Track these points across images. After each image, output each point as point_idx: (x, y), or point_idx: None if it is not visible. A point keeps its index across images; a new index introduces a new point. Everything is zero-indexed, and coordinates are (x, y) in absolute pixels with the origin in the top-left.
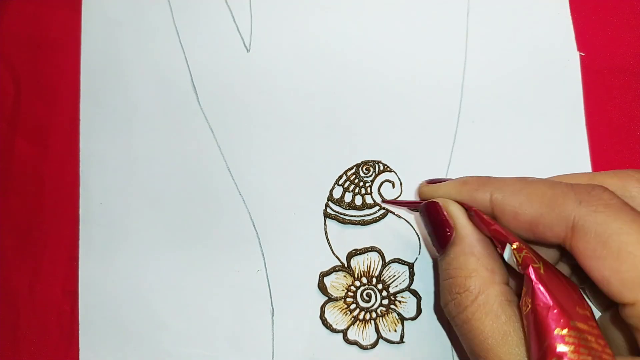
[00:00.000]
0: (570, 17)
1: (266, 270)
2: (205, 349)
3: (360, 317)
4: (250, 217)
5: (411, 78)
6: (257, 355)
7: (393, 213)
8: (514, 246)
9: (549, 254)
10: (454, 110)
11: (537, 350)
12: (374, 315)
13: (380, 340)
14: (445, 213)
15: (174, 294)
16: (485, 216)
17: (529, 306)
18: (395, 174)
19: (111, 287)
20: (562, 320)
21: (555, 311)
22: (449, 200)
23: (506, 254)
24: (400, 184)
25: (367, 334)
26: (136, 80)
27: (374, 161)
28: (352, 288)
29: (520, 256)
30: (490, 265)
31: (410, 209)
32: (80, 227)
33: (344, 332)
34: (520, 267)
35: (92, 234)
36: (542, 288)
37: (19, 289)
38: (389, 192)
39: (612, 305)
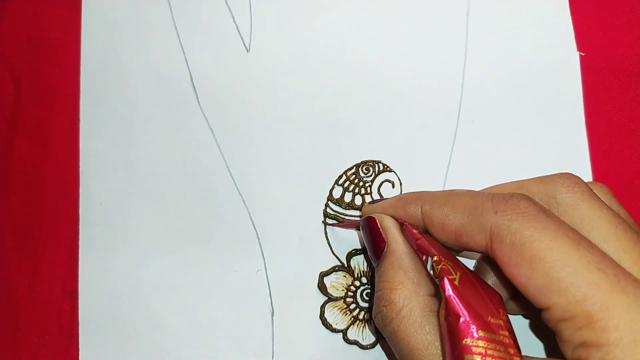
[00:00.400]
0: (570, 17)
1: (266, 270)
2: (205, 349)
3: (360, 316)
4: (250, 217)
5: (411, 78)
6: (257, 355)
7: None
8: (434, 259)
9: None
10: (454, 110)
11: (450, 358)
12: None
13: (380, 340)
14: (380, 228)
15: (173, 294)
16: (414, 230)
17: (443, 316)
18: (395, 174)
19: (111, 287)
20: (470, 330)
21: (463, 321)
22: (384, 215)
23: (428, 266)
24: (400, 184)
25: (367, 334)
26: (136, 80)
27: (373, 161)
28: (352, 288)
29: (438, 268)
30: (416, 278)
31: (356, 229)
32: (80, 227)
33: (344, 332)
34: (437, 278)
35: (92, 234)
36: (454, 299)
37: (19, 289)
38: (389, 192)
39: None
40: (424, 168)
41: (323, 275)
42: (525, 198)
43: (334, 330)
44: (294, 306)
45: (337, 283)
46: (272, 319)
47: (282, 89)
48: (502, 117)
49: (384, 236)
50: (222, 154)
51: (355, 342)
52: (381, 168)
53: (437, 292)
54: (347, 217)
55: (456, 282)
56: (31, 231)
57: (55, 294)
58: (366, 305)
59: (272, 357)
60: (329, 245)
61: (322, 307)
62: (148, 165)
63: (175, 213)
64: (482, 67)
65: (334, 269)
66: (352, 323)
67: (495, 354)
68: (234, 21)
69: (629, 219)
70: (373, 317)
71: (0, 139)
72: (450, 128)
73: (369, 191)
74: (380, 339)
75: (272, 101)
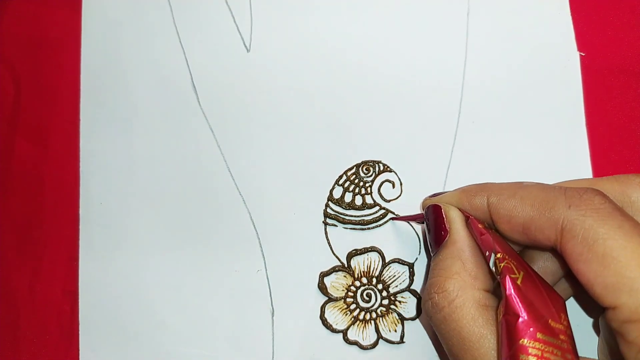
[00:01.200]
0: (570, 17)
1: (266, 270)
2: (205, 349)
3: (361, 317)
4: (250, 217)
5: (411, 78)
6: (257, 355)
7: (393, 213)
8: (498, 256)
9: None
10: (454, 110)
11: (505, 356)
12: (374, 315)
13: (380, 341)
14: (445, 216)
15: (174, 293)
16: (479, 225)
17: (502, 314)
18: (395, 174)
19: (111, 287)
20: (528, 331)
21: (522, 320)
22: (450, 206)
23: (490, 263)
24: (400, 184)
25: (367, 334)
26: (136, 80)
27: (374, 161)
28: (352, 288)
29: (500, 266)
30: (474, 271)
31: (417, 222)
32: (80, 227)
33: (344, 332)
34: (499, 276)
35: (92, 234)
36: (514, 298)
37: (19, 288)
38: (389, 192)
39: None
40: (424, 168)
41: (323, 275)
42: (600, 194)
43: (334, 331)
44: (294, 306)
45: (337, 283)
46: (272, 319)
47: (282, 89)
48: (502, 117)
49: (447, 225)
50: (222, 154)
51: (355, 343)
52: (381, 168)
53: (496, 289)
54: (347, 217)
55: (518, 282)
56: (31, 231)
57: (56, 294)
58: (366, 305)
59: (272, 357)
60: (329, 245)
61: (322, 307)
62: (148, 166)
63: (175, 213)
64: (483, 67)
65: (334, 269)
66: (352, 323)
67: (552, 357)
68: (234, 21)
69: None
70: (422, 303)
71: (0, 139)
72: (450, 128)
73: (369, 191)
74: (381, 339)
75: (272, 101)
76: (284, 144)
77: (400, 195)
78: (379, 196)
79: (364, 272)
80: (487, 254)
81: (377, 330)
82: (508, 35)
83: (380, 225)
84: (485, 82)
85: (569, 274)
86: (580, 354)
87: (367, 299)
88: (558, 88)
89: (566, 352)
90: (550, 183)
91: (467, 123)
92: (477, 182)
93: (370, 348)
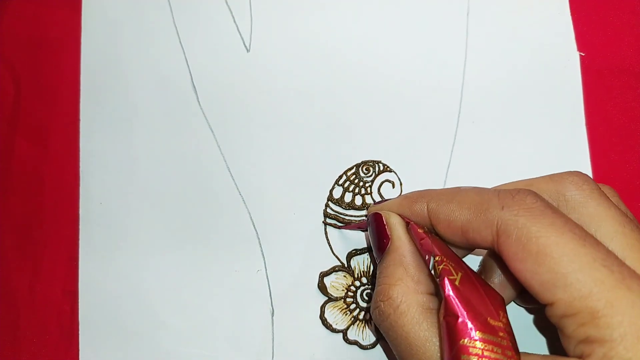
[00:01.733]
0: (570, 17)
1: (266, 270)
2: (205, 349)
3: (360, 317)
4: (250, 217)
5: (411, 78)
6: (257, 355)
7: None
8: (436, 259)
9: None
10: (454, 110)
11: (448, 357)
12: None
13: (380, 340)
14: (386, 224)
15: (174, 293)
16: (419, 230)
17: (442, 315)
18: (395, 174)
19: (111, 287)
20: (467, 330)
21: (461, 321)
22: (391, 213)
23: (430, 266)
24: (400, 184)
25: (367, 334)
26: (136, 80)
27: (373, 161)
28: (352, 288)
29: (439, 268)
30: (417, 276)
31: (362, 230)
32: (80, 227)
33: (344, 332)
34: (438, 278)
35: (92, 234)
36: (453, 299)
37: (19, 288)
38: (389, 192)
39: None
40: (424, 168)
41: (323, 275)
42: (532, 194)
43: (334, 331)
44: (294, 306)
45: (337, 283)
46: (272, 319)
47: (282, 89)
48: (502, 117)
49: (388, 233)
50: (222, 154)
51: (355, 342)
52: (381, 168)
53: (438, 292)
54: (347, 217)
55: (457, 283)
56: (31, 231)
57: (55, 294)
58: (366, 305)
59: (272, 357)
60: (329, 245)
61: (322, 307)
62: (148, 165)
63: (175, 213)
64: (482, 67)
65: (334, 269)
66: (352, 323)
67: (493, 355)
68: (234, 21)
69: (634, 220)
70: (371, 312)
71: (0, 139)
72: (450, 128)
73: (369, 191)
74: (381, 339)
75: (272, 101)
76: (284, 144)
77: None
78: (379, 196)
79: (363, 272)
80: (427, 257)
81: (377, 330)
82: (508, 36)
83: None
84: (485, 82)
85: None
86: (527, 350)
87: (367, 298)
88: (558, 88)
89: (506, 349)
90: None
91: (467, 123)
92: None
93: (370, 348)
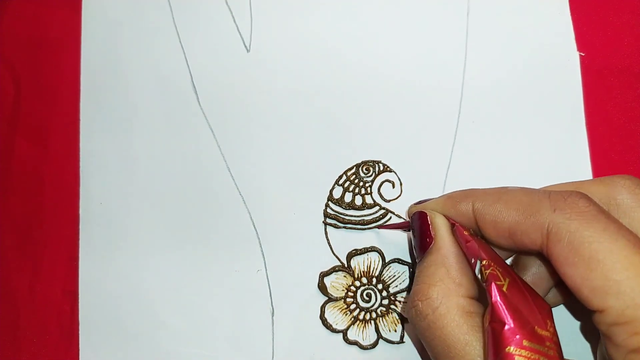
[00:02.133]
0: (570, 17)
1: (266, 270)
2: (205, 349)
3: (360, 317)
4: (250, 217)
5: (411, 78)
6: (257, 355)
7: (393, 213)
8: (483, 263)
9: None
10: (454, 110)
11: None
12: (374, 315)
13: (380, 340)
14: (430, 223)
15: (174, 293)
16: (465, 232)
17: (488, 321)
18: (395, 174)
19: (111, 287)
20: (515, 339)
21: (508, 328)
22: (436, 213)
23: (476, 270)
24: (400, 184)
25: (367, 334)
26: (136, 80)
27: (373, 161)
28: (352, 288)
29: (486, 272)
30: (458, 278)
31: (404, 230)
32: (80, 227)
33: (344, 332)
34: (485, 283)
35: (92, 234)
36: (500, 305)
37: (19, 288)
38: (389, 192)
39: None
40: (424, 168)
41: (323, 275)
42: (585, 197)
43: (334, 331)
44: (294, 306)
45: (337, 283)
46: (272, 319)
47: (282, 89)
48: (502, 117)
49: (432, 232)
50: (222, 154)
51: (355, 343)
52: (381, 168)
53: (481, 296)
54: (347, 217)
55: (504, 289)
56: (31, 231)
57: (56, 294)
58: (366, 305)
59: (272, 357)
60: (329, 245)
61: (322, 307)
62: (148, 165)
63: (175, 213)
64: (482, 67)
65: (334, 269)
66: (352, 323)
67: None
68: (234, 21)
69: None
70: (407, 310)
71: (0, 139)
72: (450, 128)
73: (369, 191)
74: (380, 339)
75: (272, 101)
76: (284, 144)
77: (400, 195)
78: (378, 196)
79: (364, 272)
80: (473, 261)
81: (377, 330)
82: (508, 36)
83: (380, 225)
84: (485, 82)
85: (560, 281)
86: (571, 357)
87: (367, 298)
88: (558, 88)
89: (552, 359)
90: (550, 183)
91: (467, 123)
92: (469, 185)
93: (370, 348)
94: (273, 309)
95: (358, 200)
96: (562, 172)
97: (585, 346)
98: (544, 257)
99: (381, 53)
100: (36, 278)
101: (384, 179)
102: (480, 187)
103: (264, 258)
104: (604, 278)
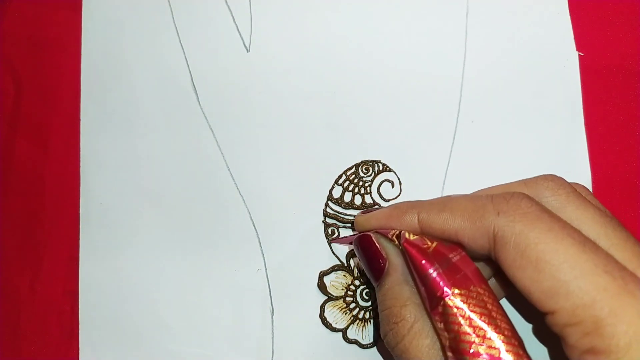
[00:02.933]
0: (569, 17)
1: (266, 269)
2: (205, 349)
3: (360, 316)
4: (250, 217)
5: (411, 78)
6: (257, 354)
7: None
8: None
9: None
10: (454, 110)
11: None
12: (373, 314)
13: (380, 339)
14: (377, 244)
15: (174, 293)
16: (412, 237)
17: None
18: (395, 173)
19: (111, 287)
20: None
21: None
22: (376, 234)
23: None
24: (400, 183)
25: (366, 333)
26: (136, 80)
27: (373, 161)
28: (352, 287)
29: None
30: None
31: (350, 245)
32: (81, 227)
33: (344, 331)
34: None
35: (92, 234)
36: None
37: (20, 288)
38: (389, 192)
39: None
40: (423, 168)
41: (323, 274)
42: (526, 197)
43: (333, 330)
44: (294, 306)
45: (336, 282)
46: (272, 319)
47: (282, 89)
48: (502, 117)
49: (383, 253)
50: (222, 153)
51: (355, 342)
52: (381, 168)
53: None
54: (347, 217)
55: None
56: (31, 231)
57: (56, 293)
58: (366, 304)
59: (272, 356)
60: (329, 245)
61: (322, 307)
62: (148, 165)
63: (175, 213)
64: (482, 67)
65: (333, 269)
66: (352, 322)
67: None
68: (234, 21)
69: (613, 218)
70: (382, 337)
71: (0, 139)
72: (449, 128)
73: (368, 191)
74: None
75: (272, 101)
76: (284, 144)
77: (399, 195)
78: (378, 196)
79: (363, 271)
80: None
81: (376, 329)
82: (507, 36)
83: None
84: (485, 81)
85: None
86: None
87: (367, 298)
88: (557, 88)
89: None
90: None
91: (466, 123)
92: (469, 185)
93: (370, 347)
94: (273, 308)
95: (358, 200)
96: (561, 171)
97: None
98: (493, 262)
99: (381, 53)
100: (36, 278)
101: (383, 179)
102: (452, 193)
103: (263, 258)
104: (552, 279)
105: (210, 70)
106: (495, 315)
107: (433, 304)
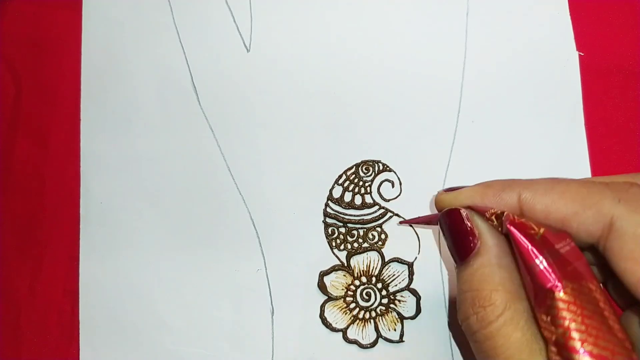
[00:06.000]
0: (569, 17)
1: (266, 269)
2: (205, 349)
3: (360, 316)
4: (250, 217)
5: (411, 78)
6: (257, 354)
7: (393, 212)
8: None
9: None
10: (454, 110)
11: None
12: (373, 314)
13: (380, 339)
14: (468, 222)
15: (174, 293)
16: (522, 221)
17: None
18: (395, 173)
19: (111, 286)
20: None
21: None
22: (470, 211)
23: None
24: (400, 183)
25: (366, 333)
26: (136, 80)
27: (373, 161)
28: (352, 287)
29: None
30: (517, 279)
31: (428, 224)
32: (81, 226)
33: (344, 331)
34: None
35: (92, 233)
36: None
37: (20, 288)
38: (389, 192)
39: (634, 304)
40: (423, 168)
41: (323, 274)
42: None
43: (333, 330)
44: (294, 305)
45: (337, 282)
46: (272, 319)
47: (282, 88)
48: (502, 116)
49: (475, 231)
50: (222, 153)
51: (355, 342)
52: (381, 168)
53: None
54: (347, 217)
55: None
56: (32, 231)
57: (56, 293)
58: (366, 304)
59: (272, 356)
60: (329, 244)
61: (322, 307)
62: (149, 165)
63: (175, 213)
64: (482, 66)
65: (333, 269)
66: (352, 322)
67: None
68: (234, 21)
69: None
70: (461, 320)
71: (0, 139)
72: (450, 128)
73: (368, 191)
74: (381, 337)
75: (272, 101)
76: (284, 144)
77: (399, 195)
78: (378, 195)
79: (363, 271)
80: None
81: (376, 329)
82: (507, 35)
83: (380, 224)
84: (485, 81)
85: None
86: None
87: (367, 298)
88: (557, 88)
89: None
90: None
91: (466, 122)
92: (469, 184)
93: (370, 347)
94: (273, 308)
95: (358, 200)
96: (561, 171)
97: None
98: (595, 251)
99: (381, 53)
100: (37, 277)
101: (383, 179)
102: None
103: (263, 257)
104: None
105: (210, 70)
106: (607, 314)
107: (540, 296)
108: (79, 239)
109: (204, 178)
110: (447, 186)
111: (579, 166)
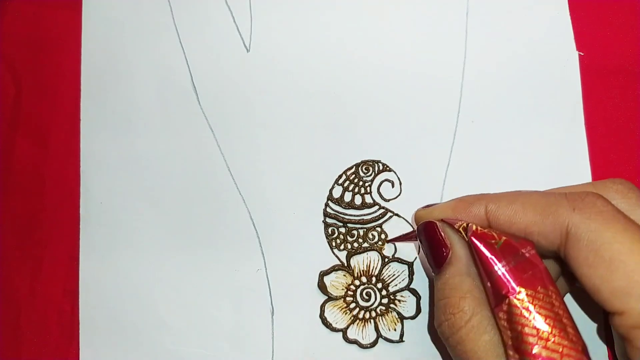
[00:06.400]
0: (569, 17)
1: (266, 269)
2: (205, 349)
3: (360, 316)
4: (250, 217)
5: (411, 78)
6: (257, 354)
7: (393, 212)
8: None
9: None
10: (454, 110)
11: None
12: (373, 314)
13: (380, 339)
14: (442, 233)
15: (174, 293)
16: (483, 231)
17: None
18: (395, 173)
19: (111, 286)
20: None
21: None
22: (442, 223)
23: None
24: (400, 183)
25: (366, 333)
26: (136, 80)
27: (373, 161)
28: (352, 287)
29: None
30: (481, 286)
31: (411, 240)
32: (81, 226)
33: (344, 331)
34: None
35: (92, 233)
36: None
37: (20, 288)
38: (389, 192)
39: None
40: (423, 168)
41: (323, 274)
42: (601, 198)
43: (333, 330)
44: (294, 305)
45: (337, 282)
46: (272, 319)
47: (282, 88)
48: (502, 116)
49: (447, 242)
50: (222, 153)
51: (355, 342)
52: (381, 168)
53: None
54: (347, 217)
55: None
56: (32, 231)
57: (56, 293)
58: (366, 304)
59: (272, 356)
60: (329, 244)
61: (322, 307)
62: (148, 165)
63: (175, 213)
64: (482, 67)
65: (333, 268)
66: (352, 322)
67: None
68: (234, 21)
69: None
70: (436, 326)
71: (0, 139)
72: (450, 128)
73: (368, 191)
74: (380, 338)
75: (272, 101)
76: (284, 144)
77: (399, 195)
78: (378, 195)
79: (363, 271)
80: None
81: (376, 329)
82: (507, 35)
83: (379, 224)
84: (485, 81)
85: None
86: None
87: (367, 297)
88: (557, 88)
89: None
90: (550, 182)
91: (466, 122)
92: (469, 185)
93: (370, 347)
94: (273, 308)
95: (358, 200)
96: (561, 171)
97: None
98: (559, 259)
99: (381, 53)
100: (36, 277)
101: (383, 179)
102: (484, 190)
103: (263, 257)
104: (626, 279)
105: (210, 70)
106: (561, 318)
107: (498, 300)
108: (79, 239)
109: (204, 178)
110: (447, 186)
111: (579, 166)
